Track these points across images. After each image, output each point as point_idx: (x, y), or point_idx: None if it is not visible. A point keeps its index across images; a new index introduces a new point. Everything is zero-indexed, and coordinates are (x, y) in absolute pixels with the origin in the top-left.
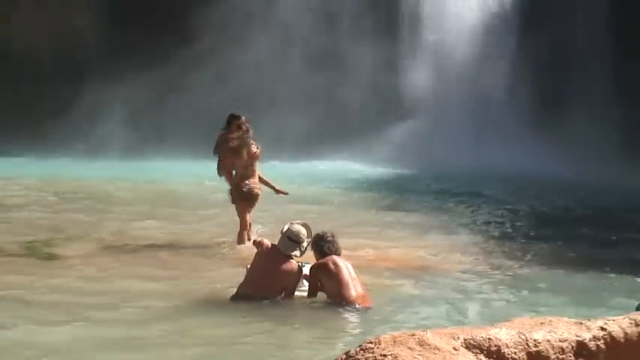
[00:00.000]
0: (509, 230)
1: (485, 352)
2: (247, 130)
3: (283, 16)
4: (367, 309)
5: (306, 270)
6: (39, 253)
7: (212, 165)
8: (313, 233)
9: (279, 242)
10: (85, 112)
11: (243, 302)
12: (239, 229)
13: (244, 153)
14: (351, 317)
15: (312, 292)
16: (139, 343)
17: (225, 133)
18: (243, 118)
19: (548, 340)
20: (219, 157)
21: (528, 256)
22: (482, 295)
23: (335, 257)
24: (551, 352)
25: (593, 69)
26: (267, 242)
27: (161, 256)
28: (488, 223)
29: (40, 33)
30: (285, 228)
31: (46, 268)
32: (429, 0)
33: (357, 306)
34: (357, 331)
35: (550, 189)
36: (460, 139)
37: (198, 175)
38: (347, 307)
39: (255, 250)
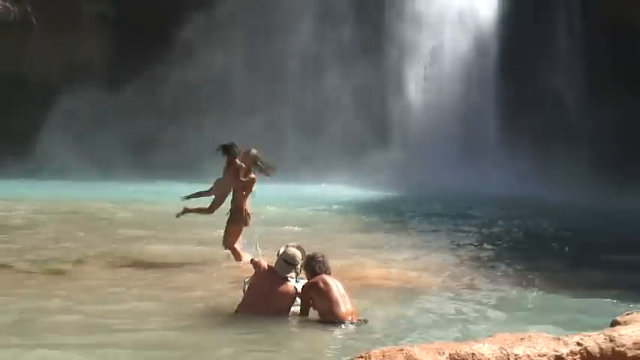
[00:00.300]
0: (491, 250)
1: None
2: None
3: None
4: (358, 323)
5: (299, 286)
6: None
7: None
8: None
9: (275, 264)
10: None
11: (244, 319)
12: (235, 249)
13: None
14: (342, 333)
15: (304, 310)
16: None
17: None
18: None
19: (528, 355)
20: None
21: (510, 276)
22: (467, 312)
23: (325, 276)
24: None
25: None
26: (265, 264)
27: (163, 273)
28: (470, 243)
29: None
30: (282, 251)
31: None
32: (413, 33)
33: (347, 322)
34: (347, 346)
35: (529, 209)
36: (441, 164)
37: None
38: (337, 324)
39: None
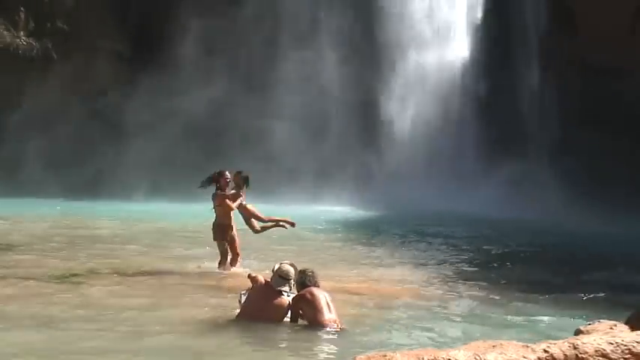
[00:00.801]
0: (468, 265)
1: None
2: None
3: None
4: (342, 330)
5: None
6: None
7: None
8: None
9: (271, 279)
10: None
11: (241, 327)
12: (233, 259)
13: None
14: (330, 340)
15: (294, 319)
16: None
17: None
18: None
19: None
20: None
21: (485, 289)
22: (445, 321)
23: (313, 288)
24: None
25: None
26: (262, 278)
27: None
28: (448, 259)
29: None
30: (277, 267)
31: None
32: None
33: (331, 329)
34: (335, 352)
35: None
36: (423, 184)
37: None
38: (325, 331)
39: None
